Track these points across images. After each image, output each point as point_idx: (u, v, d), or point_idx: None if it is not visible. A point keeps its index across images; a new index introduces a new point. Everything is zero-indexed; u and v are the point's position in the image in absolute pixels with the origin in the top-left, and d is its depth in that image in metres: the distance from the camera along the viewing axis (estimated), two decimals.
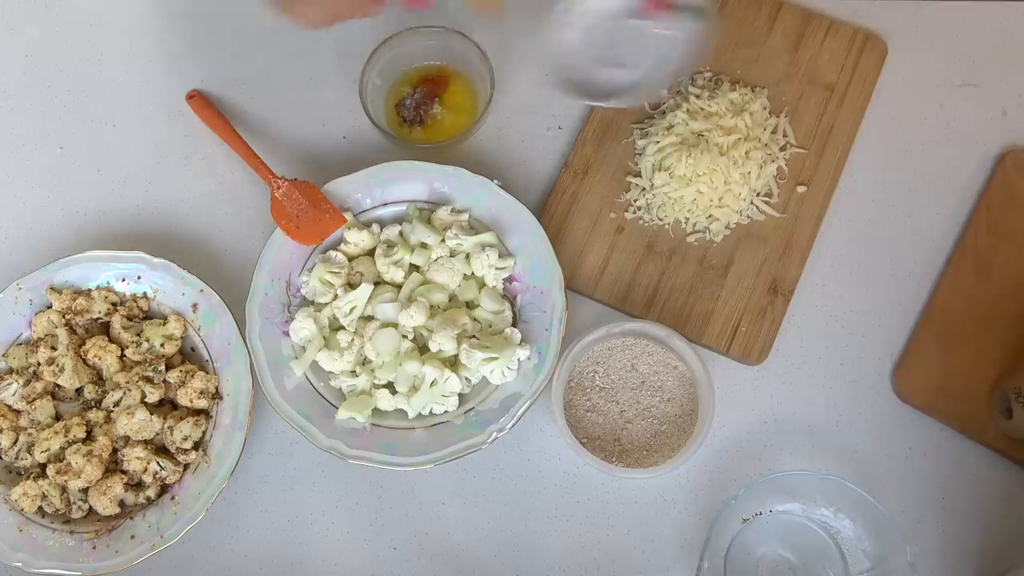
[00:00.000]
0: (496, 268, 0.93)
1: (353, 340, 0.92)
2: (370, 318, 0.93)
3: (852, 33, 1.01)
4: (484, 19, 0.96)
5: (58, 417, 0.92)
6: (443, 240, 0.93)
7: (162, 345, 0.92)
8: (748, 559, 0.89)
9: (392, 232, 0.95)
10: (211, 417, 0.92)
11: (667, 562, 0.90)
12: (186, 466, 0.91)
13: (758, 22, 1.02)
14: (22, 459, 0.91)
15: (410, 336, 0.91)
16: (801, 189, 0.97)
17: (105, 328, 0.95)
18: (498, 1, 0.83)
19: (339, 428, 0.90)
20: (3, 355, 0.93)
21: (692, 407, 0.90)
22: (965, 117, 1.00)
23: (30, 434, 0.91)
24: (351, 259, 0.95)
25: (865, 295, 0.96)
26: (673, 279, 0.95)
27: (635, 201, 0.97)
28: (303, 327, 0.92)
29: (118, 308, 0.94)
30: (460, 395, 0.91)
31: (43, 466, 0.90)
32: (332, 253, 0.95)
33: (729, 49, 1.01)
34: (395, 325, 0.91)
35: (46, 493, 0.89)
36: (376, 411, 0.91)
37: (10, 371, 0.93)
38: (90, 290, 0.94)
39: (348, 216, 0.95)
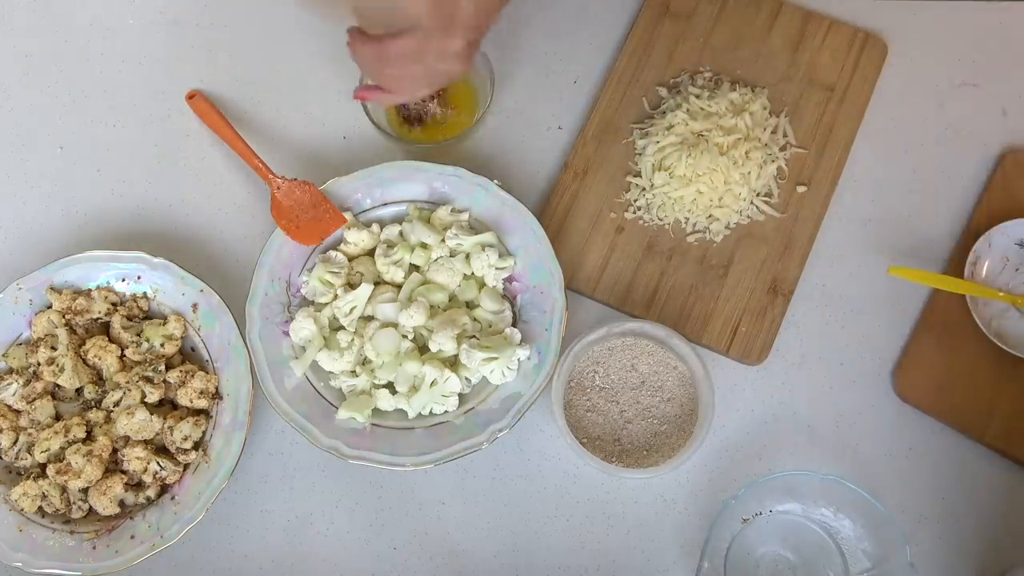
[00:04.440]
0: (496, 268, 0.93)
1: (353, 340, 0.92)
2: (370, 318, 0.93)
3: (852, 33, 1.01)
4: None
5: (58, 417, 0.92)
6: (443, 240, 0.93)
7: (162, 345, 0.92)
8: (748, 559, 0.89)
9: (392, 232, 0.95)
10: (211, 417, 0.92)
11: (667, 562, 0.90)
12: (186, 466, 0.91)
13: (758, 22, 1.02)
14: (22, 459, 0.91)
15: (410, 336, 0.91)
16: (801, 189, 0.97)
17: (105, 328, 0.95)
18: None
19: (339, 428, 0.90)
20: (3, 355, 0.93)
21: (692, 407, 0.89)
22: (965, 117, 1.00)
23: (30, 434, 0.91)
24: (351, 259, 0.95)
25: (865, 295, 0.96)
26: (673, 279, 0.95)
27: (635, 201, 0.97)
28: (303, 327, 0.92)
29: (118, 308, 0.94)
30: (460, 395, 0.91)
31: (43, 466, 0.90)
32: (332, 253, 0.95)
33: (729, 49, 1.01)
34: (395, 325, 0.91)
35: (46, 493, 0.89)
36: (376, 411, 0.91)
37: (10, 371, 0.93)
38: (90, 290, 0.94)
39: (348, 216, 0.95)
